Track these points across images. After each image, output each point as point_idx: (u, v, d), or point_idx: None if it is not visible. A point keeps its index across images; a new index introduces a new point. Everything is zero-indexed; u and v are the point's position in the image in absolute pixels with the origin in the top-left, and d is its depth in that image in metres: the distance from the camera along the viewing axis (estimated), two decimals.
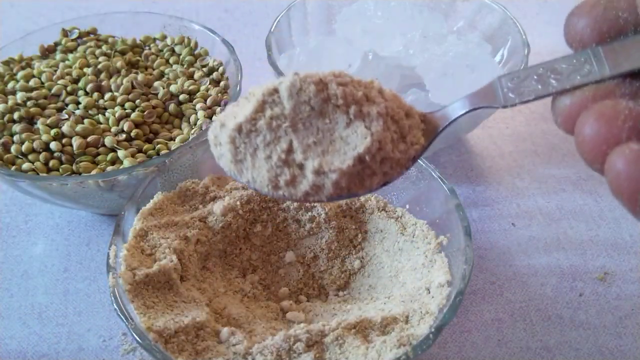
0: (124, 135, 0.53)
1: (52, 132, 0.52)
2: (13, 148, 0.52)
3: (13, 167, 0.51)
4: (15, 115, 0.54)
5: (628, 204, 0.23)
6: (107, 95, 0.57)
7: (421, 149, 0.32)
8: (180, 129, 0.56)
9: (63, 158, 0.51)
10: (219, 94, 0.58)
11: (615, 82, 0.26)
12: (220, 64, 0.62)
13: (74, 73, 0.59)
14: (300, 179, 0.30)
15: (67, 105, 0.56)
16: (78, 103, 0.56)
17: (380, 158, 0.30)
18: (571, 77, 0.27)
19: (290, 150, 0.30)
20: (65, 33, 0.65)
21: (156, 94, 0.58)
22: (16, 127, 0.53)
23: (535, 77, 0.28)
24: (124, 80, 0.57)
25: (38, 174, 0.50)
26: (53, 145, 0.51)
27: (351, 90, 0.30)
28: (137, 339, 0.36)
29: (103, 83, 0.58)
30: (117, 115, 0.54)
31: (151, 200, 0.46)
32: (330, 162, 0.30)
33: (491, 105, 0.30)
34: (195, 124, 0.56)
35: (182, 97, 0.58)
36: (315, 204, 0.48)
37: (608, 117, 0.24)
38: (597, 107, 0.25)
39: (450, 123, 0.32)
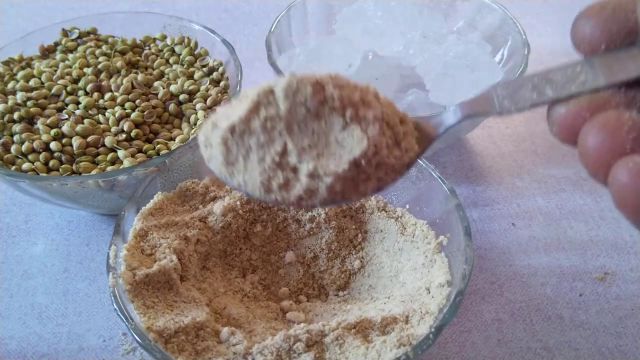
0: (124, 135, 0.53)
1: (52, 132, 0.52)
2: (13, 148, 0.52)
3: (13, 167, 0.51)
4: (15, 115, 0.54)
5: (633, 217, 0.23)
6: (107, 95, 0.57)
7: (415, 156, 0.31)
8: (180, 129, 0.56)
9: (63, 158, 0.51)
10: (219, 94, 0.58)
11: (610, 91, 0.26)
12: (220, 64, 0.62)
13: (74, 73, 0.59)
14: (294, 182, 0.30)
15: (67, 105, 0.56)
16: (78, 103, 0.56)
17: (376, 163, 0.29)
18: (566, 86, 0.27)
19: (284, 153, 0.29)
20: (65, 33, 0.65)
21: (156, 94, 0.58)
22: (16, 127, 0.53)
23: (531, 85, 0.28)
24: (124, 80, 0.57)
25: (38, 174, 0.50)
26: (53, 145, 0.51)
27: (348, 93, 0.29)
28: (137, 339, 0.36)
29: (103, 83, 0.58)
30: (117, 115, 0.54)
31: (151, 200, 0.46)
32: (326, 166, 0.29)
33: (487, 112, 0.29)
34: (195, 124, 0.56)
35: (182, 97, 0.58)
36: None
37: (612, 128, 0.24)
38: (600, 118, 0.24)
39: (444, 131, 0.31)
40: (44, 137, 0.52)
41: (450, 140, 0.62)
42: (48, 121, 0.53)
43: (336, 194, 0.30)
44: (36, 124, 0.53)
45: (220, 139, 0.30)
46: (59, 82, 0.58)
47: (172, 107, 0.57)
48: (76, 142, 0.51)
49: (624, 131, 0.23)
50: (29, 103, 0.55)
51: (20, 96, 0.55)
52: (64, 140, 0.52)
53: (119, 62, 0.60)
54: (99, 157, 0.52)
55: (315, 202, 0.30)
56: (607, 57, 0.26)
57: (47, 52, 0.64)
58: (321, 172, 0.29)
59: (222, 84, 0.60)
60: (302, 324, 0.40)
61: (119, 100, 0.56)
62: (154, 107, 0.56)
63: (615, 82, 0.26)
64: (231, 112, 0.31)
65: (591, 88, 0.26)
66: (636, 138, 0.23)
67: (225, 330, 0.39)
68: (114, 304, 0.38)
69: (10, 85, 0.57)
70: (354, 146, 0.29)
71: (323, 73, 0.30)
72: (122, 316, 0.37)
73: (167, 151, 0.52)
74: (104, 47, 0.62)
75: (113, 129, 0.54)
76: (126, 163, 0.51)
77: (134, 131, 0.53)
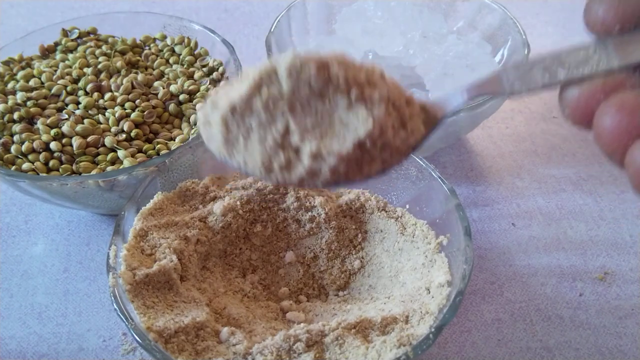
0: (124, 135, 0.53)
1: (52, 132, 0.52)
2: (13, 148, 0.52)
3: (13, 167, 0.51)
4: (15, 115, 0.54)
5: None
6: (107, 95, 0.57)
7: (421, 138, 0.31)
8: (180, 129, 0.56)
9: (63, 158, 0.51)
10: None
11: (624, 73, 0.26)
12: (220, 64, 0.62)
13: (74, 73, 0.59)
14: (296, 163, 0.29)
15: (67, 105, 0.56)
16: (78, 103, 0.56)
17: (381, 144, 0.29)
18: (579, 68, 0.26)
19: (286, 133, 0.29)
20: (65, 33, 0.65)
21: (156, 94, 0.58)
22: (16, 127, 0.53)
23: (542, 67, 0.27)
24: (124, 80, 0.57)
25: (38, 174, 0.50)
26: (53, 145, 0.51)
27: (353, 73, 0.29)
28: (137, 339, 0.36)
29: (103, 83, 0.58)
30: (117, 115, 0.54)
31: (151, 200, 0.46)
32: (329, 146, 0.28)
33: (496, 93, 0.29)
34: (195, 124, 0.56)
35: (182, 97, 0.58)
36: (315, 204, 0.48)
37: (630, 108, 0.23)
38: (617, 98, 0.24)
39: (451, 113, 0.31)
40: (44, 137, 0.52)
41: (450, 140, 0.62)
42: (48, 121, 0.53)
43: (339, 176, 0.29)
44: (36, 124, 0.53)
45: (220, 118, 0.29)
46: (59, 82, 0.58)
47: (172, 107, 0.57)
48: (76, 142, 0.51)
49: None
50: (29, 103, 0.55)
51: (20, 96, 0.55)
52: (64, 140, 0.52)
53: (119, 62, 0.60)
54: (99, 157, 0.52)
55: (318, 183, 0.29)
56: (622, 38, 0.26)
57: (47, 52, 0.64)
58: (324, 152, 0.28)
59: (222, 84, 0.60)
60: (302, 324, 0.40)
61: (119, 100, 0.56)
62: (154, 107, 0.56)
63: (631, 63, 0.25)
64: (232, 92, 0.30)
65: (605, 70, 0.26)
66: None
67: (225, 330, 0.39)
68: (114, 304, 0.38)
69: (10, 85, 0.57)
70: (359, 127, 0.28)
71: (327, 52, 0.29)
72: (122, 316, 0.37)
73: (167, 151, 0.52)
74: (104, 47, 0.62)
75: (113, 129, 0.54)
76: (126, 163, 0.51)
77: (134, 131, 0.53)
